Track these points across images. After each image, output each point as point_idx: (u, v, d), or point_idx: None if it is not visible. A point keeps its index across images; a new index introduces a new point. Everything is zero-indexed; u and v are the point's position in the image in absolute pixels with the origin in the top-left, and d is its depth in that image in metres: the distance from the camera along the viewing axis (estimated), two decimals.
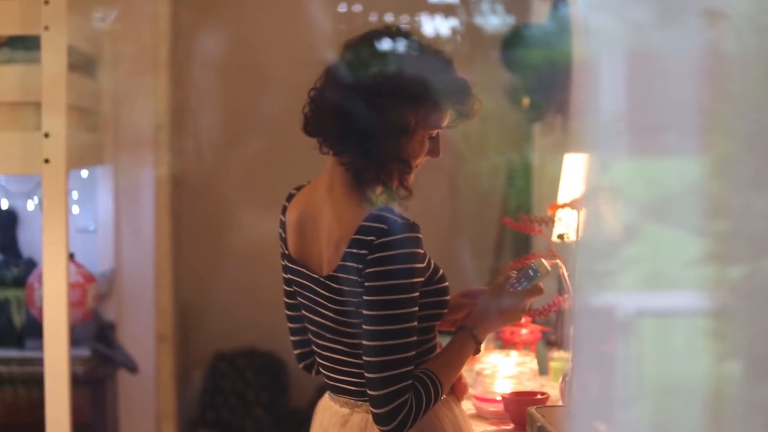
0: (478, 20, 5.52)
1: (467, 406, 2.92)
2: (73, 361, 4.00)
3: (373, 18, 5.53)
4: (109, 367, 4.80)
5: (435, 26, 5.46)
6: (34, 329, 4.38)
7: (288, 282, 2.55)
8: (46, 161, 3.51)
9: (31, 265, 4.72)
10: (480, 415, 3.02)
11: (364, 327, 2.31)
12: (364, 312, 2.31)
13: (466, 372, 2.57)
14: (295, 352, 2.62)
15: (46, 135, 3.52)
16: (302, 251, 2.47)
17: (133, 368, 4.86)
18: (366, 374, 2.31)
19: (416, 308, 2.32)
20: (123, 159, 4.99)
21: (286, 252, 2.52)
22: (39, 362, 3.72)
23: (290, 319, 2.60)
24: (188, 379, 5.74)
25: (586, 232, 1.49)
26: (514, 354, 3.26)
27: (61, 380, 3.51)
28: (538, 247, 4.21)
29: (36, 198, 4.63)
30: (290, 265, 2.51)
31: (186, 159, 5.45)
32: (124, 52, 4.88)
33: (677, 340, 1.41)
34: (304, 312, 2.51)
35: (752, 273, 1.34)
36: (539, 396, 2.92)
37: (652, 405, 1.41)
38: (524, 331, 3.42)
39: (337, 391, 2.49)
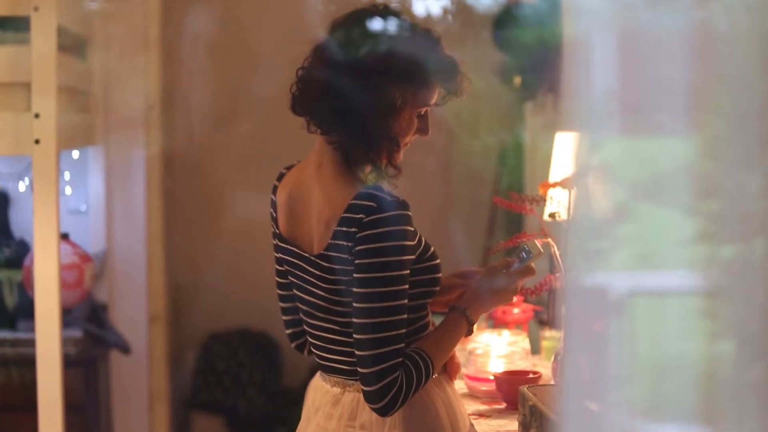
0: None
1: (459, 385, 2.92)
2: (66, 342, 4.00)
3: None
4: (101, 348, 4.79)
5: (426, 5, 5.44)
6: (26, 310, 4.37)
7: (279, 261, 2.55)
8: (37, 142, 3.50)
9: (23, 246, 4.71)
10: (472, 395, 3.02)
11: (354, 305, 2.31)
12: (355, 290, 2.31)
13: (458, 351, 2.57)
14: (287, 331, 2.63)
15: (37, 116, 3.50)
16: (293, 230, 2.47)
17: (125, 349, 4.86)
18: (356, 352, 2.32)
19: (407, 286, 2.32)
20: (114, 139, 4.98)
21: (277, 231, 2.51)
22: (31, 343, 3.72)
23: (282, 298, 2.60)
24: (181, 359, 5.73)
25: (578, 211, 1.49)
26: (506, 333, 3.27)
27: (53, 361, 3.50)
28: (530, 226, 4.21)
29: (27, 179, 4.62)
30: (281, 244, 2.51)
31: (177, 139, 5.43)
32: (114, 33, 4.86)
33: (670, 319, 1.41)
34: (295, 291, 2.51)
35: (745, 252, 1.34)
36: (531, 375, 2.93)
37: (644, 384, 1.41)
38: (516, 310, 3.43)
39: (328, 370, 2.49)
